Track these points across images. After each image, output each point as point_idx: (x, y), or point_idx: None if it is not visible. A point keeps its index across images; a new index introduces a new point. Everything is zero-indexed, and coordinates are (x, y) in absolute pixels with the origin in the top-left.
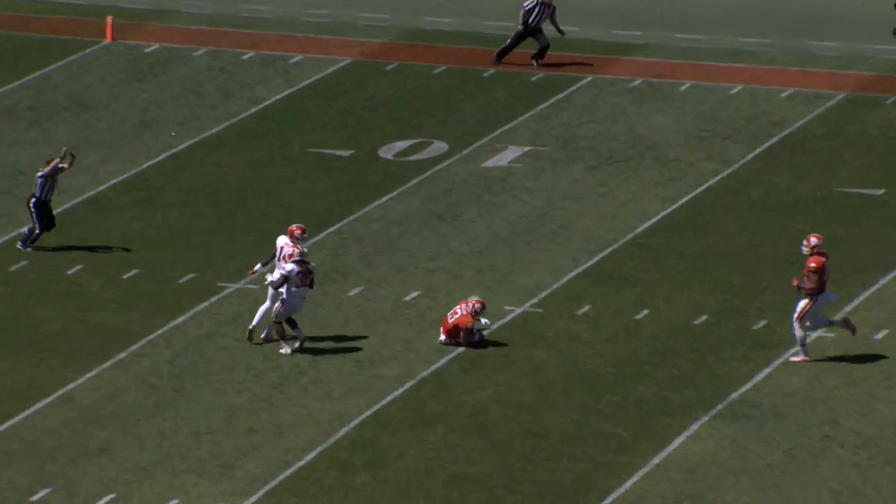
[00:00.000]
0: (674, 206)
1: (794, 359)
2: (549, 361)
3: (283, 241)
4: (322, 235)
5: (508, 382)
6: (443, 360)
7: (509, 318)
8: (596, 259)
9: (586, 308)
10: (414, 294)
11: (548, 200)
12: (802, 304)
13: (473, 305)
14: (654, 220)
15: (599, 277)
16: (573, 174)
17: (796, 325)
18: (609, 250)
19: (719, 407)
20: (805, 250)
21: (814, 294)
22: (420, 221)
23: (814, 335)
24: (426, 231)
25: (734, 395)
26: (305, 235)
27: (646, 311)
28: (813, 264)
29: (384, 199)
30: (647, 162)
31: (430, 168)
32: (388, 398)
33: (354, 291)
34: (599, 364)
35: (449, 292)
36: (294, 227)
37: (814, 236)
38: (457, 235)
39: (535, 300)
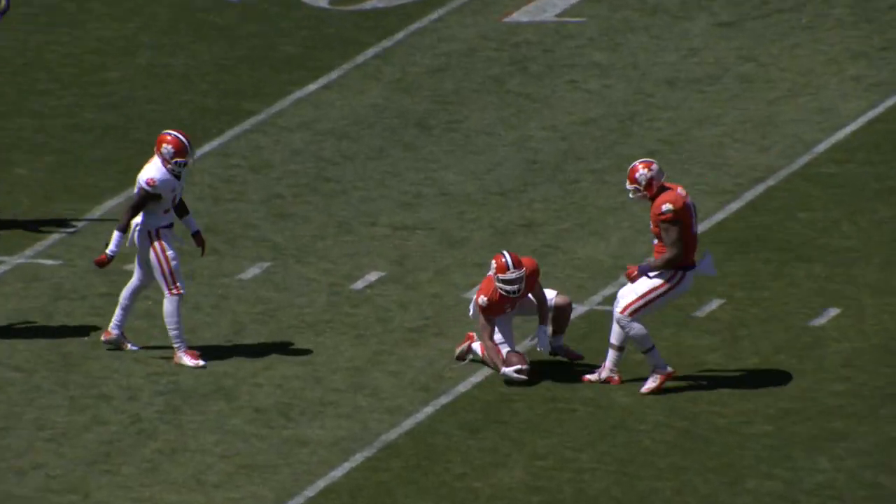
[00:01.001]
0: (890, 101)
1: (588, 377)
2: (640, 411)
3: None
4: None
5: (558, 453)
6: (427, 409)
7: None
8: (732, 207)
9: (712, 304)
10: (370, 277)
11: (636, 90)
12: (649, 285)
13: (505, 260)
14: (849, 127)
15: (738, 242)
16: (689, 38)
17: (621, 319)
18: (758, 189)
19: None
20: (632, 194)
21: (676, 271)
22: (383, 132)
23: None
24: (395, 150)
25: None
26: (183, 162)
27: (833, 311)
28: (668, 204)
29: (311, 87)
30: (836, 13)
31: (402, 26)
32: (320, 483)
33: (252, 271)
34: (738, 416)
35: (439, 272)
36: (167, 135)
37: (641, 163)
38: (456, 161)
39: (611, 288)
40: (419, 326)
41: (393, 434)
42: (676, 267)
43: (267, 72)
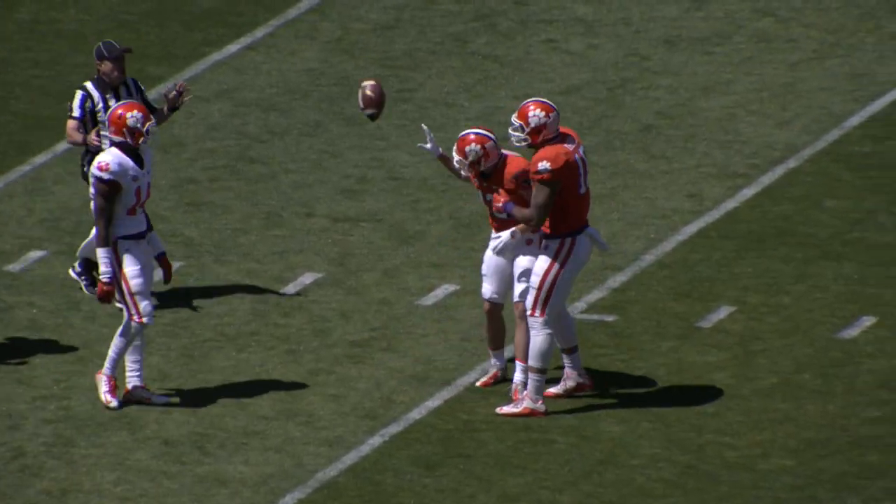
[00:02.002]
0: None
1: (551, 390)
2: (633, 443)
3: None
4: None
5: (533, 493)
6: (373, 441)
7: None
8: (745, 193)
9: (720, 313)
10: (304, 279)
11: (629, 52)
12: (539, 270)
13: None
14: (888, 96)
15: (752, 237)
16: None
17: (535, 322)
18: (776, 172)
19: None
20: (514, 135)
21: (563, 239)
22: (320, 103)
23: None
24: (334, 125)
25: None
26: (153, 126)
27: (867, 320)
28: (546, 162)
29: (232, 48)
30: None
31: None
32: None
33: (160, 273)
34: (752, 449)
35: (389, 273)
36: (122, 105)
37: (540, 105)
38: (409, 138)
39: (598, 293)
40: (364, 340)
41: (332, 471)
42: (562, 234)
43: (178, 29)
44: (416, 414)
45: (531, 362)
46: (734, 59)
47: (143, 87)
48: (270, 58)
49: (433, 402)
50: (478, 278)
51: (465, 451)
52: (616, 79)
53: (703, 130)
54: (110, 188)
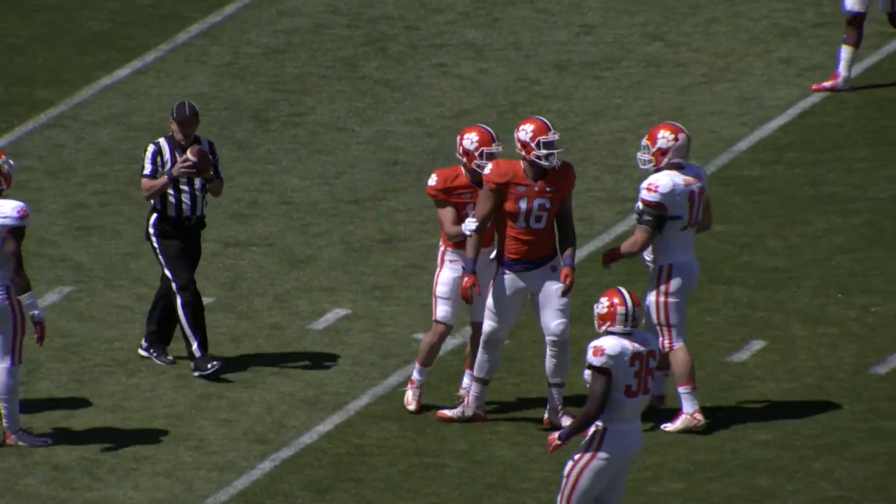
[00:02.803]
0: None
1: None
2: (524, 467)
3: None
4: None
5: None
6: (263, 465)
7: (454, 347)
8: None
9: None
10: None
11: (519, 76)
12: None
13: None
14: (777, 121)
15: (641, 261)
16: (582, 12)
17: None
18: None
19: None
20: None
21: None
22: (210, 127)
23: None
24: (225, 149)
25: None
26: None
27: (756, 344)
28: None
29: (122, 72)
30: None
31: None
32: None
33: (50, 297)
34: (642, 472)
35: (279, 298)
36: None
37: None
38: (300, 162)
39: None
40: (255, 364)
41: (223, 496)
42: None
43: (67, 52)
44: (307, 438)
45: (562, 379)
46: (624, 83)
47: (216, 150)
48: (160, 82)
49: (324, 427)
50: (369, 303)
51: (357, 475)
52: (506, 103)
53: (593, 154)
54: (23, 233)
